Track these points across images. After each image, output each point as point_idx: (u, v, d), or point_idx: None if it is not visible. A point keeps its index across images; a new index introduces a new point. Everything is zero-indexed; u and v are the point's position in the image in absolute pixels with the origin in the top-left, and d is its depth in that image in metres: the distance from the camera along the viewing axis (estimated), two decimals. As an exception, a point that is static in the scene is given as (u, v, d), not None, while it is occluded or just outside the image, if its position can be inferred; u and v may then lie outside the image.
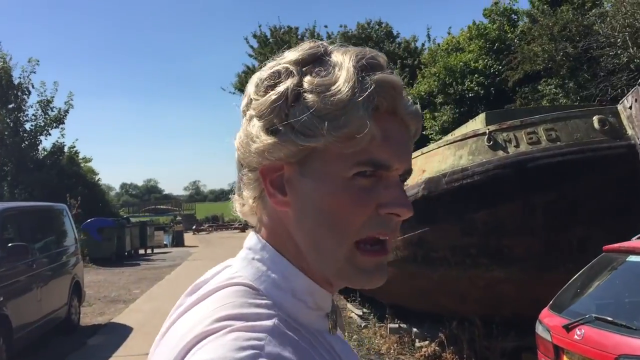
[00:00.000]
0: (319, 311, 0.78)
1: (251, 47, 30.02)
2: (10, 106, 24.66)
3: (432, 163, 6.47)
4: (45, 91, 25.18)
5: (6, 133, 23.62)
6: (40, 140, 25.44)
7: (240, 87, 31.15)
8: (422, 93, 23.34)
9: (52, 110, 25.31)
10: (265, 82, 0.77)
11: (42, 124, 25.22)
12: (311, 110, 0.72)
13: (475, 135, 6.24)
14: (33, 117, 25.23)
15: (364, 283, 0.78)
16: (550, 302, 4.69)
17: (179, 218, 48.11)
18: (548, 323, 4.47)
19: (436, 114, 23.09)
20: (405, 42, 31.64)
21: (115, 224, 21.45)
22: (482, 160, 6.04)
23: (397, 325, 7.89)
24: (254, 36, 30.08)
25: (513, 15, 21.20)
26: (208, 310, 0.71)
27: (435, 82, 22.18)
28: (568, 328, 4.11)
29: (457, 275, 6.48)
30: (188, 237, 36.82)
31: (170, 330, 0.76)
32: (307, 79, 0.74)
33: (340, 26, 33.12)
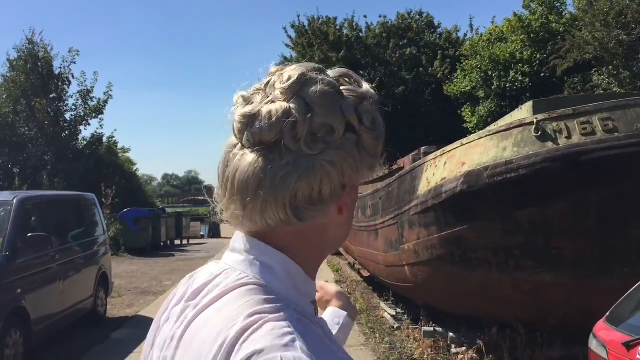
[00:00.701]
0: (308, 298, 0.89)
1: (289, 37, 29.65)
2: (51, 96, 24.92)
3: (472, 155, 5.92)
4: (85, 81, 25.39)
5: (46, 123, 23.87)
6: (80, 130, 25.69)
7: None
8: (463, 90, 22.54)
9: (92, 101, 25.51)
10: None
11: (82, 113, 25.43)
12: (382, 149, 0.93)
13: (522, 125, 5.66)
14: (73, 107, 25.48)
15: None
16: (607, 314, 4.13)
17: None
18: (604, 338, 3.92)
19: (477, 108, 22.31)
20: (446, 32, 30.77)
21: (151, 215, 21.45)
22: (528, 153, 5.46)
23: (432, 329, 7.38)
24: (292, 26, 29.69)
25: (556, 2, 20.13)
26: (234, 308, 0.79)
27: (477, 76, 21.34)
28: (629, 345, 3.57)
29: (499, 278, 5.93)
30: (225, 228, 36.85)
31: (190, 335, 0.81)
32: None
33: (380, 16, 32.54)
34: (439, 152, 6.59)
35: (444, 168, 6.32)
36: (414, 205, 6.87)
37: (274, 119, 0.81)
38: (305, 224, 0.84)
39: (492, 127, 6.26)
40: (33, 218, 7.42)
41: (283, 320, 0.76)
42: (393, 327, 8.37)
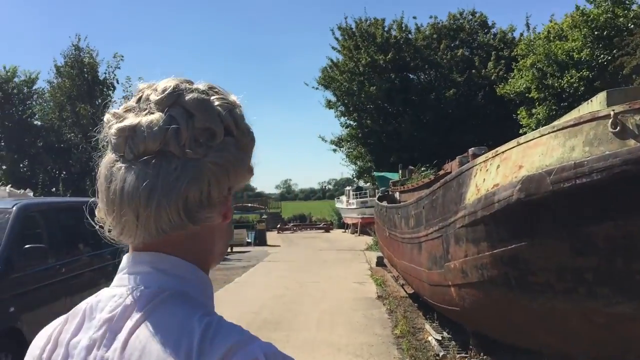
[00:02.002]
0: (213, 306, 0.93)
1: (336, 39, 28.86)
2: (97, 102, 24.90)
3: (532, 156, 4.86)
4: (130, 87, 25.28)
5: (90, 128, 23.78)
6: (125, 137, 25.53)
7: (324, 83, 30.09)
8: (518, 89, 21.16)
9: (137, 107, 25.28)
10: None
11: (127, 120, 25.29)
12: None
13: (594, 118, 4.56)
14: (118, 114, 25.36)
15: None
16: None
17: (264, 216, 47.82)
18: None
19: (533, 110, 20.89)
20: (501, 32, 29.34)
21: (190, 222, 20.92)
22: (604, 153, 4.36)
23: (482, 361, 6.30)
24: (339, 28, 28.87)
25: None
26: (179, 314, 0.82)
27: (532, 76, 19.90)
28: None
29: (566, 308, 4.83)
30: (272, 236, 36.31)
31: (134, 351, 0.80)
32: None
33: (430, 17, 31.39)
34: (490, 154, 5.54)
35: (496, 172, 5.27)
36: (461, 216, 5.84)
37: (155, 128, 0.84)
38: (197, 227, 0.87)
39: (557, 123, 5.17)
40: (36, 227, 6.77)
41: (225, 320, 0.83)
42: (438, 355, 7.32)
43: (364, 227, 34.31)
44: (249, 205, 62.74)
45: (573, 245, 4.58)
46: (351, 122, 30.67)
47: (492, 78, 26.02)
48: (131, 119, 0.85)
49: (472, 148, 6.38)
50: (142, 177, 0.82)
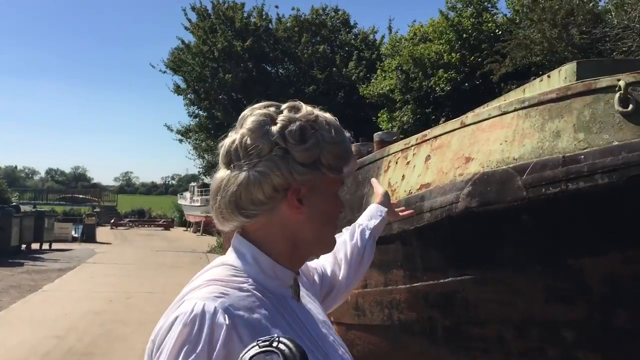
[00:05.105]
0: (279, 281, 1.20)
1: (189, 20, 26.09)
2: None
3: (488, 144, 3.16)
4: None
5: None
6: None
7: (173, 66, 27.17)
8: (382, 91, 20.28)
9: None
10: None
11: None
12: (331, 159, 1.19)
13: (589, 90, 2.97)
14: None
15: (329, 250, 1.33)
16: None
17: (97, 209, 43.21)
18: None
19: (395, 114, 20.08)
20: (362, 33, 28.59)
21: (-4, 213, 17.20)
22: (611, 143, 2.77)
23: None
24: (193, 9, 26.14)
25: (487, 3, 18.09)
26: (203, 278, 1.15)
27: (397, 78, 19.08)
28: None
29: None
30: (104, 232, 32.63)
31: (182, 291, 1.17)
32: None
33: (293, 9, 29.63)
34: (413, 139, 3.78)
35: (425, 167, 3.50)
36: (361, 228, 4.02)
37: (225, 147, 1.22)
38: (251, 221, 1.18)
39: (528, 96, 3.53)
40: None
41: (228, 287, 1.09)
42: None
43: (207, 226, 32.08)
44: (80, 196, 56.92)
45: (551, 286, 2.93)
46: (201, 112, 28.12)
47: (353, 78, 25.07)
48: (224, 140, 1.24)
49: (379, 132, 4.59)
50: (216, 181, 1.21)
